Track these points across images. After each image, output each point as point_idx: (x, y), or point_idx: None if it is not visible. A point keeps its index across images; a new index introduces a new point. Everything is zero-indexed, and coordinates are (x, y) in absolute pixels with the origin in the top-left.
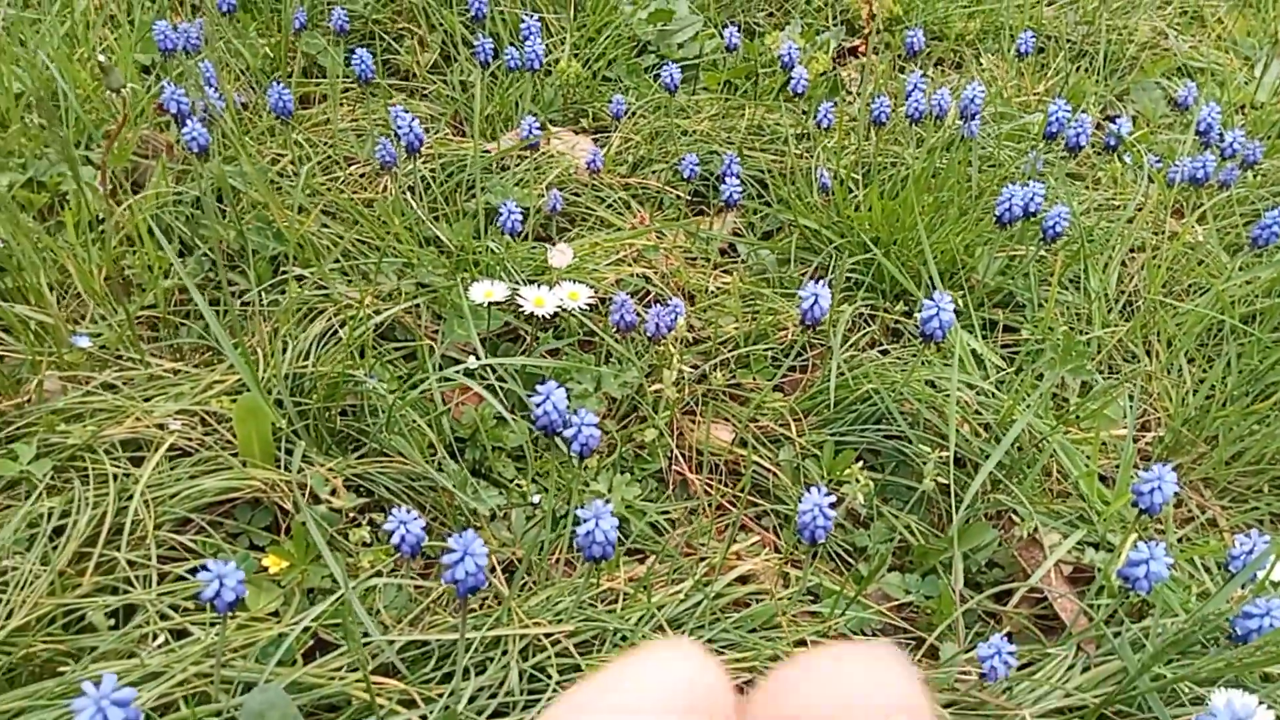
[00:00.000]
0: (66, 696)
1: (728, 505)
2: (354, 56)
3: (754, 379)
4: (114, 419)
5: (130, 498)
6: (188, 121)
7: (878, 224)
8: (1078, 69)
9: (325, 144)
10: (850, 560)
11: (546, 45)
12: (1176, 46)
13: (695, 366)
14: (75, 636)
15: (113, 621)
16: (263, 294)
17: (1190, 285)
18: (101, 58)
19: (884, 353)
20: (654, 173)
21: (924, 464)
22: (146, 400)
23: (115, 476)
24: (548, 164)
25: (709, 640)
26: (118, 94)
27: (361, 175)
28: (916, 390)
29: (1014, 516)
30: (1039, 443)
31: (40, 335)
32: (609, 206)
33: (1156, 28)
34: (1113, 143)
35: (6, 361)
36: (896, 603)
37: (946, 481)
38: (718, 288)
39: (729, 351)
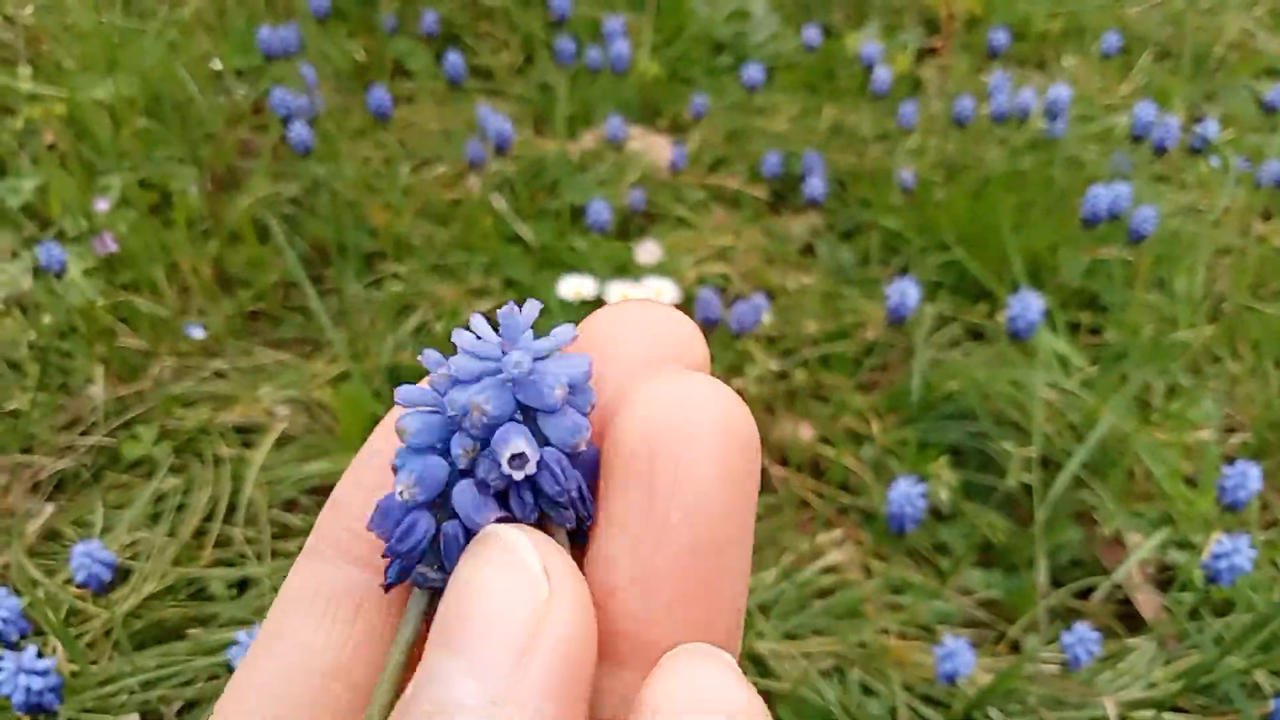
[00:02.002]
0: (195, 655)
1: (810, 500)
2: (445, 59)
3: (835, 378)
4: (226, 405)
5: (243, 479)
6: (293, 123)
7: (960, 224)
8: (1163, 70)
9: (414, 144)
10: (932, 558)
11: (626, 42)
12: (1266, 46)
13: (777, 365)
14: (199, 603)
15: (233, 592)
16: (360, 289)
17: (1278, 289)
18: (219, 63)
19: (967, 353)
20: (732, 173)
21: (1007, 462)
22: (255, 388)
23: (229, 459)
24: (627, 163)
25: (796, 625)
26: (229, 96)
27: (442, 176)
28: (1000, 390)
29: (1097, 516)
30: (1123, 443)
31: (156, 326)
32: (688, 206)
33: (1245, 28)
34: (1199, 145)
35: (127, 350)
36: (978, 596)
37: (1030, 480)
38: (798, 287)
39: (809, 350)
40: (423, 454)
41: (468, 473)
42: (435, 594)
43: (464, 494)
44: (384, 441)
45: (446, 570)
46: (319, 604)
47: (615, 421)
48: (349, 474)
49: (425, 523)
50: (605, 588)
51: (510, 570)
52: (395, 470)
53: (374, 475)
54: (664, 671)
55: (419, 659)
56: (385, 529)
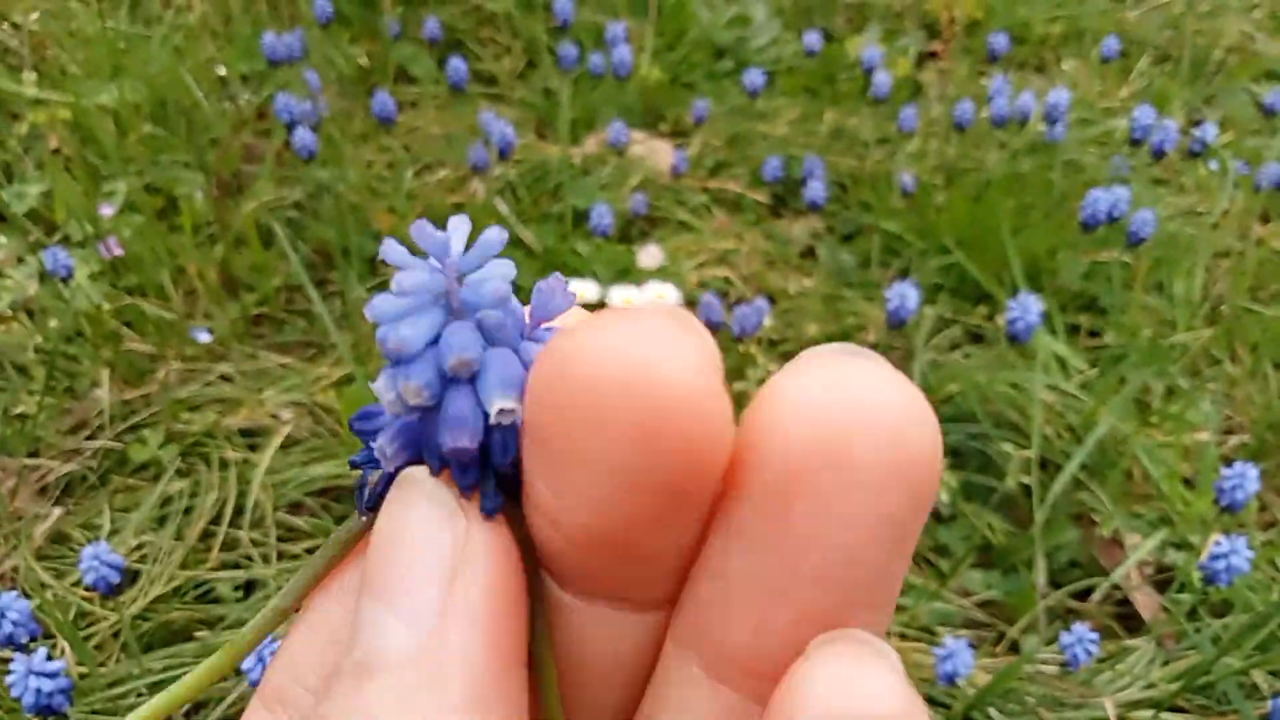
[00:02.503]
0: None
1: None
2: (449, 65)
3: None
4: (231, 409)
5: (249, 482)
6: (297, 129)
7: (960, 227)
8: (1162, 73)
9: (417, 148)
10: (931, 559)
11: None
12: (1265, 49)
13: (779, 368)
14: (206, 606)
15: (239, 594)
16: (364, 292)
17: (1276, 291)
18: (221, 70)
19: (966, 356)
20: (734, 176)
21: (1006, 464)
22: (260, 391)
23: (235, 462)
24: (630, 167)
25: None
26: (234, 102)
27: (445, 180)
28: (1000, 392)
29: (1095, 517)
30: (1122, 445)
31: (162, 330)
32: (690, 210)
33: (1244, 31)
34: (1198, 149)
35: (133, 354)
36: (978, 598)
37: (1029, 481)
38: (799, 290)
39: None
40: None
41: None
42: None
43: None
44: (334, 602)
45: (486, 495)
46: None
47: (753, 409)
48: (302, 619)
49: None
50: (713, 603)
51: (427, 509)
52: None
53: (324, 630)
54: (807, 673)
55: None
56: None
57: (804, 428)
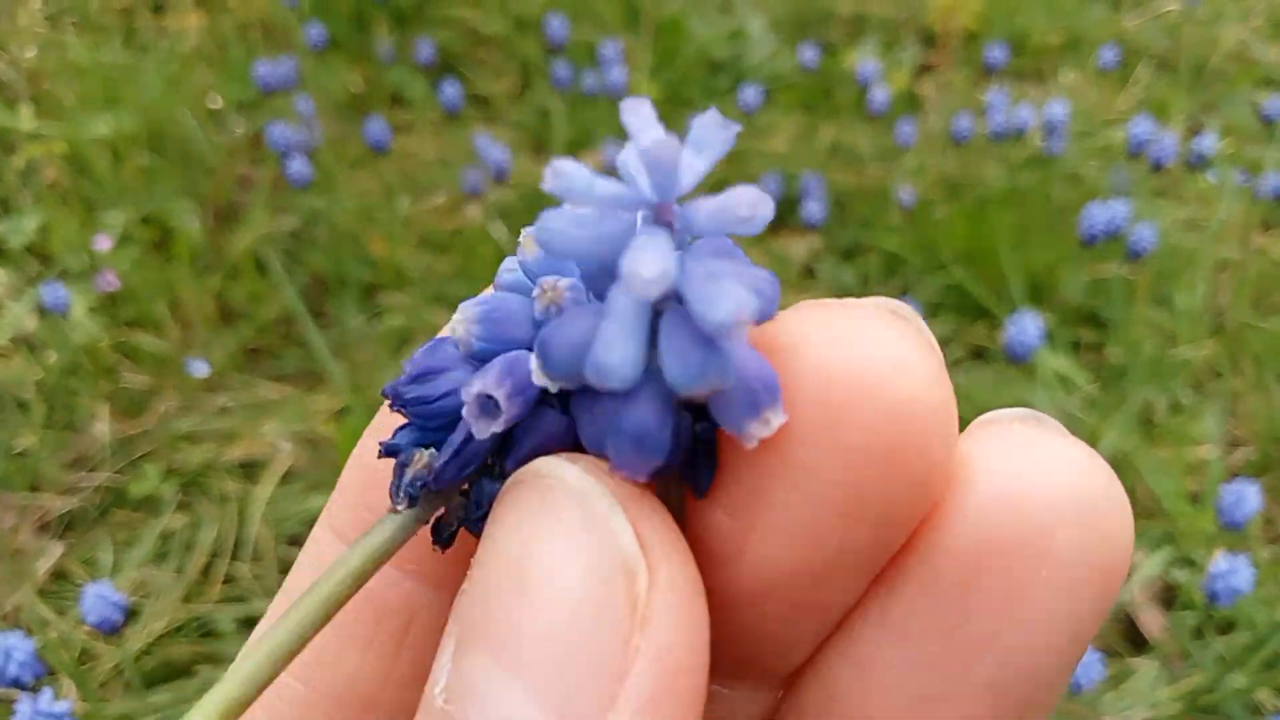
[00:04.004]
0: (205, 693)
1: None
2: (443, 89)
3: None
4: (230, 441)
5: (249, 515)
6: (292, 158)
7: (959, 243)
8: (1162, 82)
9: (412, 173)
10: None
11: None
12: (1264, 57)
13: None
14: (207, 641)
15: (240, 628)
16: (360, 321)
17: (1279, 302)
18: (218, 100)
19: (968, 373)
20: None
21: None
22: (258, 423)
23: (234, 495)
24: None
25: None
26: (228, 133)
27: (440, 205)
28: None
29: None
30: (1125, 461)
31: (160, 362)
32: None
33: (1242, 38)
34: (1196, 161)
35: (131, 387)
36: None
37: None
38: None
39: None
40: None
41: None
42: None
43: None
44: (388, 420)
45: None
46: (356, 615)
47: (945, 486)
48: (374, 425)
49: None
50: (848, 690)
51: (587, 541)
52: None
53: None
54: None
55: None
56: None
57: (999, 508)
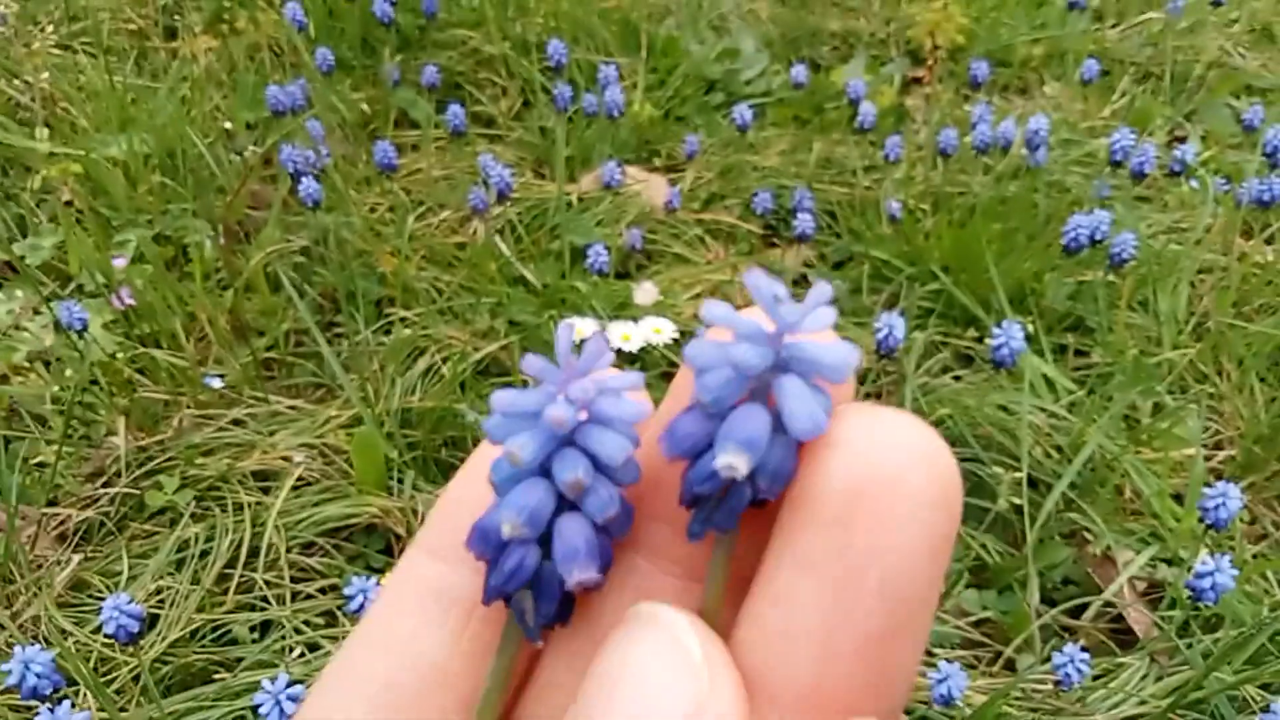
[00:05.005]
0: (221, 700)
1: None
2: (448, 111)
3: None
4: (244, 452)
5: (263, 524)
6: (303, 178)
7: (947, 252)
8: (1144, 91)
9: (419, 192)
10: None
11: (619, 86)
12: (1245, 65)
13: None
14: (224, 648)
15: (255, 635)
16: (370, 335)
17: (1261, 305)
18: (228, 126)
19: (956, 378)
20: (726, 208)
21: (998, 485)
22: (271, 435)
23: (249, 505)
24: (625, 203)
25: None
26: (241, 156)
27: (447, 221)
28: (989, 414)
29: (1087, 535)
30: (1111, 463)
31: (175, 376)
32: (684, 242)
33: (1223, 47)
34: (1178, 168)
35: (147, 401)
36: (974, 617)
37: (1021, 502)
38: None
39: None
40: (528, 479)
41: (573, 505)
42: (531, 626)
43: (567, 539)
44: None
45: (541, 612)
46: (430, 606)
47: (816, 454)
48: (466, 467)
49: (527, 560)
50: (778, 630)
51: (671, 657)
52: (494, 488)
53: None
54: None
55: (514, 687)
56: (484, 552)
57: (866, 458)
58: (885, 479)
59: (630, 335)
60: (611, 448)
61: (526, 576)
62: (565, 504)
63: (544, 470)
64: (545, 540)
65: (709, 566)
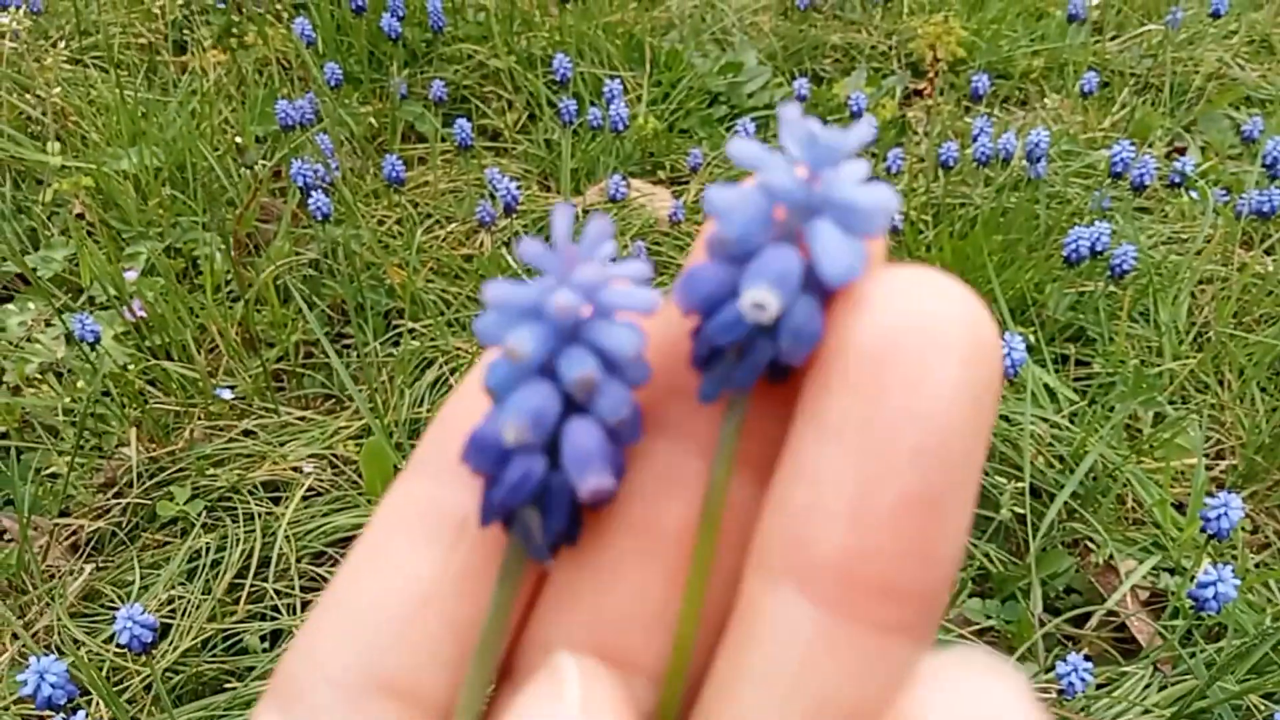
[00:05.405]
0: (233, 709)
1: None
2: (455, 125)
3: None
4: (255, 463)
5: (274, 534)
6: (313, 193)
7: (948, 264)
8: (1144, 102)
9: (426, 204)
10: None
11: (624, 100)
12: (1244, 76)
13: None
14: (235, 658)
15: (266, 644)
16: (379, 347)
17: (1261, 315)
18: (239, 140)
19: None
20: None
21: (1000, 495)
22: (282, 445)
23: (259, 515)
24: (630, 215)
25: None
26: (251, 170)
27: (454, 234)
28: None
29: (1090, 544)
30: (1113, 472)
31: (186, 388)
32: (689, 255)
33: (1222, 58)
34: (1178, 180)
35: (159, 412)
36: (978, 626)
37: (1023, 511)
38: None
39: None
40: (530, 379)
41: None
42: (533, 552)
43: (577, 443)
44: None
45: (550, 529)
46: (418, 526)
47: (839, 316)
48: (463, 384)
49: (534, 469)
50: (805, 506)
51: (550, 710)
52: (491, 395)
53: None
54: (939, 687)
55: (515, 623)
56: (482, 466)
57: (894, 316)
58: (918, 335)
59: None
60: (622, 341)
61: (533, 488)
62: (572, 407)
63: (546, 370)
64: (550, 450)
65: (720, 436)
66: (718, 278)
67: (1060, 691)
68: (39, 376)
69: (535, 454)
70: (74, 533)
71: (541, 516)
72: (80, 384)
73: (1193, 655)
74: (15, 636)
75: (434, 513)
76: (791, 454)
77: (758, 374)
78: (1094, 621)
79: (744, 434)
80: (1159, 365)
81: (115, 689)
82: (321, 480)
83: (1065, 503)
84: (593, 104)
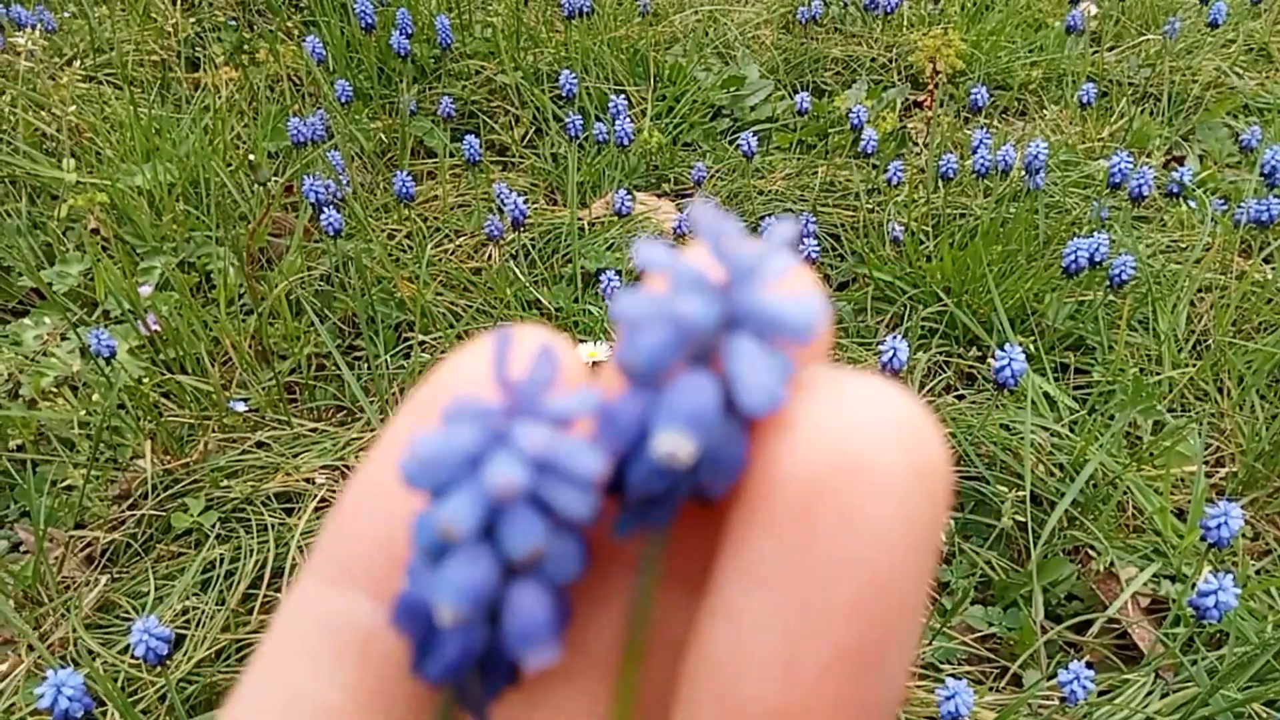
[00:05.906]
0: None
1: None
2: (464, 142)
3: None
4: (268, 474)
5: (287, 545)
6: (324, 208)
7: (949, 274)
8: (1142, 112)
9: (435, 218)
10: (934, 595)
11: (629, 115)
12: (1241, 85)
13: None
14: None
15: None
16: (389, 359)
17: (1260, 323)
18: (251, 157)
19: (959, 397)
20: None
21: (1002, 503)
22: (294, 457)
23: (273, 526)
24: (636, 228)
25: None
26: (264, 186)
27: (463, 247)
28: (992, 433)
29: (1091, 551)
30: (1113, 480)
31: (200, 400)
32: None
33: (1220, 67)
34: (1176, 190)
35: (173, 425)
36: (980, 634)
37: (1024, 519)
38: None
39: None
40: (465, 546)
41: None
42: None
43: (523, 616)
44: (409, 428)
45: (490, 690)
46: (320, 645)
47: (764, 442)
48: (363, 472)
49: (471, 644)
50: (732, 651)
51: None
52: (417, 548)
53: (392, 480)
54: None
55: None
56: (415, 634)
57: (826, 438)
58: (850, 469)
59: (597, 353)
60: (574, 504)
61: (471, 663)
62: (515, 569)
63: (485, 530)
64: (491, 614)
65: (640, 564)
66: (632, 413)
67: (1062, 699)
68: (55, 390)
69: (474, 626)
70: (89, 544)
71: (481, 679)
72: (95, 397)
73: (1194, 662)
74: (31, 648)
75: (335, 629)
76: (719, 595)
77: (674, 513)
78: (1095, 629)
79: (671, 550)
80: (1158, 373)
81: (129, 699)
82: (334, 491)
83: (1066, 510)
84: (598, 118)
